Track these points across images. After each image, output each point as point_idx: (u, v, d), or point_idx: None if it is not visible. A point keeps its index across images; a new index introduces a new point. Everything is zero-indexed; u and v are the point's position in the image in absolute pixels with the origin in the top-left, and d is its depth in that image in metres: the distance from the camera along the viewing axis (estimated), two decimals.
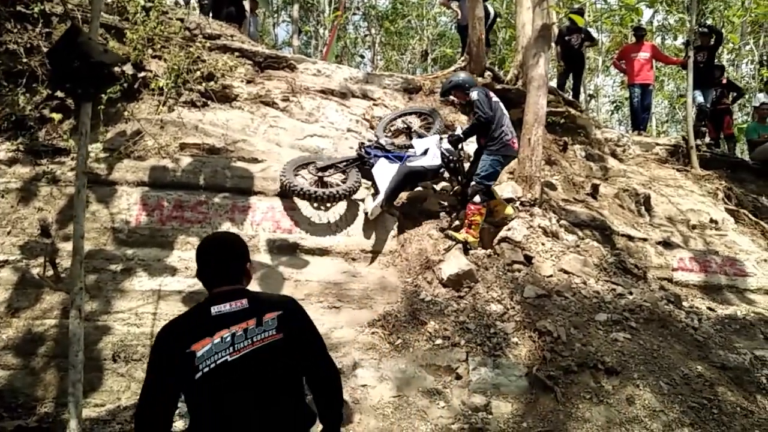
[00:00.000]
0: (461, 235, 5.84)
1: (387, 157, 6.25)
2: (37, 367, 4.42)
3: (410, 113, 7.59)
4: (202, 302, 2.34)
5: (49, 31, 6.31)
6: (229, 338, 2.20)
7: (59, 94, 6.11)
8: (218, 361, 2.16)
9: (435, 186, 6.81)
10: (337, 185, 6.04)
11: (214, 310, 2.26)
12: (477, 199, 5.87)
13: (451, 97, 7.10)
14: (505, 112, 6.28)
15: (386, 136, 6.96)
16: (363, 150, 6.38)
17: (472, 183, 6.00)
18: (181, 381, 2.15)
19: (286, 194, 5.95)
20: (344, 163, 6.26)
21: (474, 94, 6.08)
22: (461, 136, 6.29)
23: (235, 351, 2.19)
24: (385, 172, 6.03)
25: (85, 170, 3.04)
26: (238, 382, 2.17)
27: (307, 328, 2.42)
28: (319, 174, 6.07)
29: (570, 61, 11.37)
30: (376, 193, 6.10)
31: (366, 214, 6.03)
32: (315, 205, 5.96)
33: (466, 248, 5.82)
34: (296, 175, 5.92)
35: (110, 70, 3.07)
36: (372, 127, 7.11)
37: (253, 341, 2.22)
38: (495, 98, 6.22)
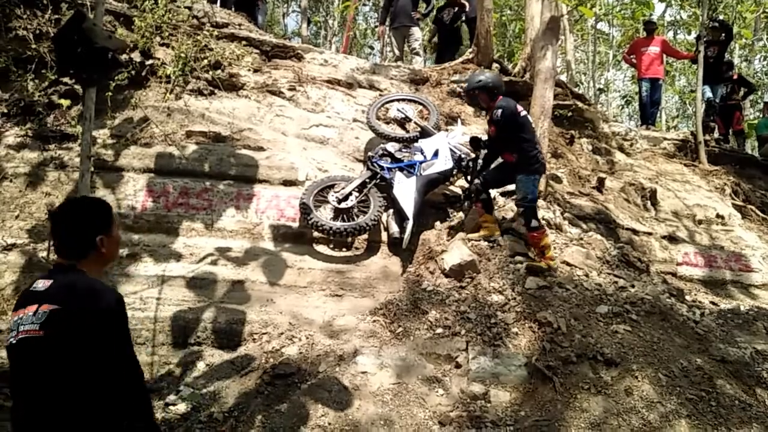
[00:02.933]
0: (544, 264, 5.43)
1: (401, 169, 6.03)
2: None
3: (403, 99, 7.39)
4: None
5: (58, 17, 6.34)
6: (19, 319, 1.98)
7: (67, 80, 6.16)
8: (10, 340, 1.99)
9: None
10: (361, 213, 5.78)
11: (36, 284, 2.06)
12: (534, 224, 5.47)
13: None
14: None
15: (378, 121, 6.77)
16: (374, 164, 6.05)
17: (521, 209, 5.61)
18: None
19: (293, 183, 6.02)
20: (362, 185, 5.91)
21: (498, 113, 5.42)
22: (483, 141, 5.94)
23: (17, 334, 1.96)
24: (406, 191, 5.71)
25: (89, 155, 3.07)
26: (16, 368, 1.99)
27: (91, 335, 1.92)
28: (342, 205, 5.74)
29: (442, 39, 10.92)
30: (396, 212, 5.89)
31: (395, 240, 5.80)
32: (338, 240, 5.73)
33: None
34: (317, 205, 5.67)
35: (114, 56, 3.10)
36: (378, 118, 7.05)
37: (18, 331, 1.95)
38: (523, 112, 5.60)
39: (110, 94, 5.97)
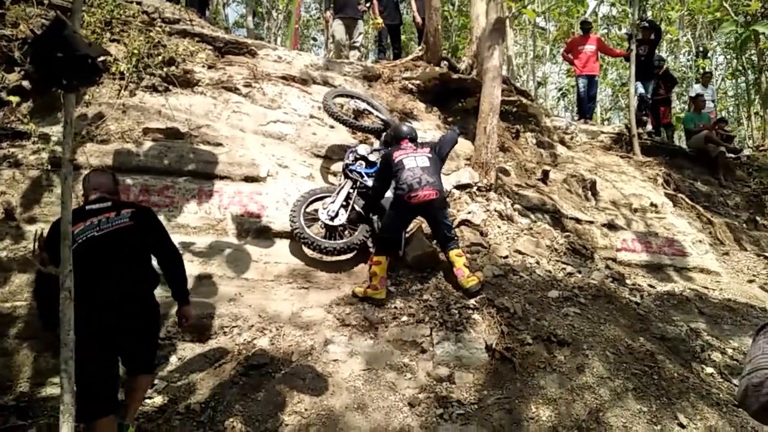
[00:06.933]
0: (360, 291, 5.33)
1: None
2: (10, 348, 4.43)
3: (354, 97, 7.41)
4: (82, 204, 3.63)
5: (2, 12, 6.17)
6: (96, 222, 3.42)
7: (12, 77, 6.01)
8: (88, 236, 3.36)
9: None
10: (351, 230, 5.86)
11: (88, 207, 3.56)
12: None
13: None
14: (417, 162, 5.45)
15: (339, 111, 6.83)
16: (351, 172, 6.03)
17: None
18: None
19: (255, 180, 6.10)
20: (347, 198, 5.85)
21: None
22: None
23: (100, 230, 3.40)
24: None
25: (70, 159, 3.10)
26: (101, 250, 3.34)
27: (154, 222, 3.68)
28: (334, 222, 5.71)
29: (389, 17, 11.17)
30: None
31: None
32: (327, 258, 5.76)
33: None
34: (307, 220, 5.67)
35: (95, 63, 3.14)
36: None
37: (112, 225, 3.44)
38: (403, 152, 5.57)
39: (62, 90, 5.85)
